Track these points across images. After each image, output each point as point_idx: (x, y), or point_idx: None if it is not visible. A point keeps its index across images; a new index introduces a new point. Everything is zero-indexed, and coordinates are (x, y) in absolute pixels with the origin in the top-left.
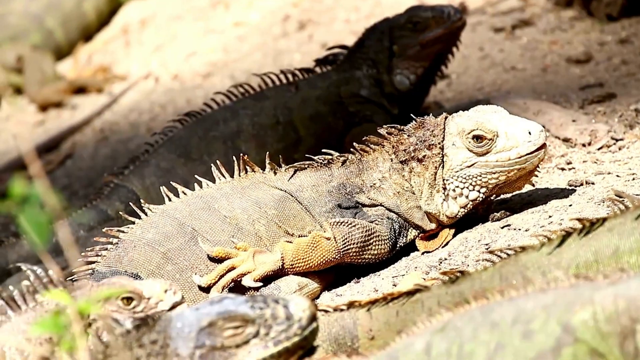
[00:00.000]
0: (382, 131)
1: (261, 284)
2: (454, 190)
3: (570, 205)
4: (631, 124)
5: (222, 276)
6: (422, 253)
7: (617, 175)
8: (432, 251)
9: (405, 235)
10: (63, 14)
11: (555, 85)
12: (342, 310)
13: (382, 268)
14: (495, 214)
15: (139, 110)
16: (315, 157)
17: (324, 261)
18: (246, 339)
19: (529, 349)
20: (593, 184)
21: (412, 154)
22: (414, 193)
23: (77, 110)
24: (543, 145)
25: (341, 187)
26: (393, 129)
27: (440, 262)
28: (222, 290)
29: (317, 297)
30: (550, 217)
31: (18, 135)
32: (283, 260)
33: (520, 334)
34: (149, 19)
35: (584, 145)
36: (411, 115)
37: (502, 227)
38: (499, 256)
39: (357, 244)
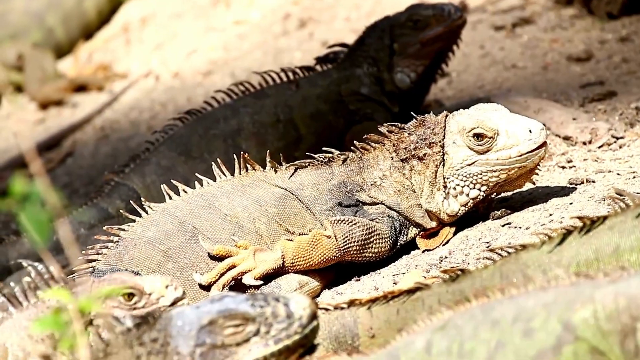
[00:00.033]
0: (383, 129)
1: (262, 282)
2: (454, 188)
3: (570, 204)
4: (632, 122)
5: (222, 274)
6: (423, 251)
7: (618, 174)
8: (433, 249)
9: (405, 233)
10: (64, 12)
11: (555, 83)
12: (342, 308)
13: (383, 266)
14: (496, 212)
15: (139, 108)
16: (316, 155)
17: (324, 259)
18: (247, 337)
19: (529, 347)
20: (594, 182)
21: (413, 152)
22: (414, 191)
23: (77, 109)
24: (544, 144)
25: (342, 185)
26: (394, 127)
27: (441, 260)
28: (223, 288)
29: (318, 296)
30: (550, 215)
31: (18, 133)
32: (284, 258)
33: (520, 332)
34: (150, 17)
35: (584, 143)
36: (412, 113)
37: (503, 225)
38: (499, 254)
39: (357, 242)
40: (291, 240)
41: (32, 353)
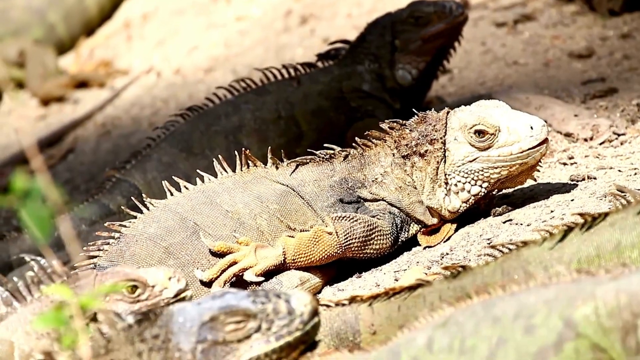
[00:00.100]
0: (384, 126)
1: (263, 278)
2: (455, 185)
3: (572, 200)
4: (633, 119)
5: (223, 271)
6: (424, 248)
7: (619, 170)
8: (434, 246)
9: (407, 230)
10: (65, 9)
11: (557, 80)
12: (344, 305)
13: (384, 263)
14: (497, 208)
15: (140, 104)
16: (317, 152)
17: (325, 256)
18: (248, 333)
19: (530, 343)
20: (595, 178)
21: (414, 149)
22: (415, 188)
23: (79, 105)
24: (545, 140)
25: (343, 182)
26: (395, 124)
27: (442, 257)
28: (224, 284)
29: (319, 292)
30: (552, 211)
31: (20, 130)
32: (285, 254)
33: (522, 328)
34: (151, 13)
35: (585, 140)
36: (413, 110)
37: (504, 222)
38: (500, 251)
39: (358, 238)
40: (292, 236)
41: (35, 349)
